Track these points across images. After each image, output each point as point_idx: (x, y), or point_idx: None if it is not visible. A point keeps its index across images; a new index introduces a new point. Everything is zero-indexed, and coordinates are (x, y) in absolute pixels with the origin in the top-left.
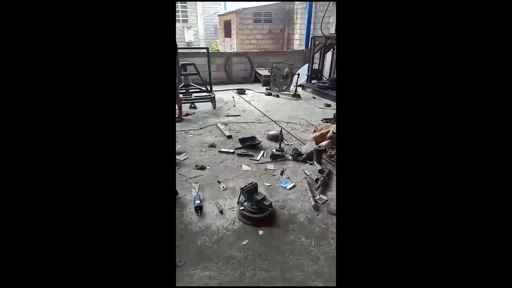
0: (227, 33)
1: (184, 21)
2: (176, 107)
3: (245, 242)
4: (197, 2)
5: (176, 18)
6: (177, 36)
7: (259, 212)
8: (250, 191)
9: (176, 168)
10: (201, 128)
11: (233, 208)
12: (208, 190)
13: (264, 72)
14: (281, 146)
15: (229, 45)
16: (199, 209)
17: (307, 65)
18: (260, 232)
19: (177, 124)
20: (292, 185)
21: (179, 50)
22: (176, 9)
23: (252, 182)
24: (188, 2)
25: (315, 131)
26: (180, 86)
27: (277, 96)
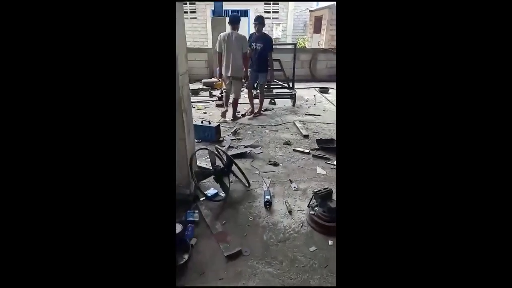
0: (317, 29)
1: (274, 17)
2: (257, 102)
3: (312, 248)
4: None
5: (267, 15)
6: (266, 32)
7: (331, 221)
8: (323, 197)
9: (250, 161)
10: (278, 125)
11: (303, 210)
12: (279, 187)
13: None
14: None
15: (317, 41)
16: (268, 204)
17: None
18: (330, 242)
19: (255, 119)
20: None
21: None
22: (269, 6)
23: (327, 188)
24: None
25: None
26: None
27: None
